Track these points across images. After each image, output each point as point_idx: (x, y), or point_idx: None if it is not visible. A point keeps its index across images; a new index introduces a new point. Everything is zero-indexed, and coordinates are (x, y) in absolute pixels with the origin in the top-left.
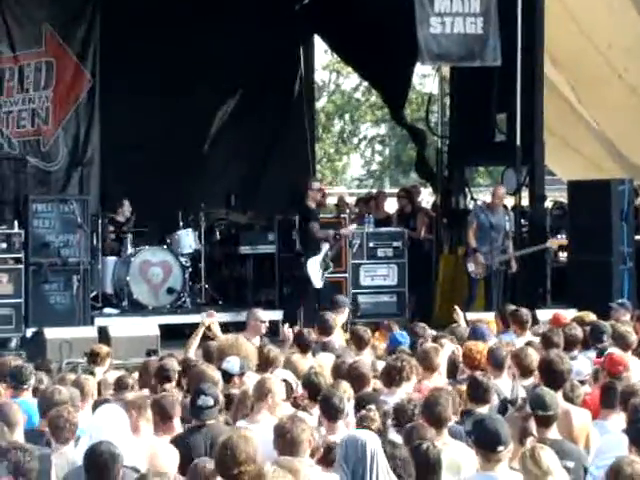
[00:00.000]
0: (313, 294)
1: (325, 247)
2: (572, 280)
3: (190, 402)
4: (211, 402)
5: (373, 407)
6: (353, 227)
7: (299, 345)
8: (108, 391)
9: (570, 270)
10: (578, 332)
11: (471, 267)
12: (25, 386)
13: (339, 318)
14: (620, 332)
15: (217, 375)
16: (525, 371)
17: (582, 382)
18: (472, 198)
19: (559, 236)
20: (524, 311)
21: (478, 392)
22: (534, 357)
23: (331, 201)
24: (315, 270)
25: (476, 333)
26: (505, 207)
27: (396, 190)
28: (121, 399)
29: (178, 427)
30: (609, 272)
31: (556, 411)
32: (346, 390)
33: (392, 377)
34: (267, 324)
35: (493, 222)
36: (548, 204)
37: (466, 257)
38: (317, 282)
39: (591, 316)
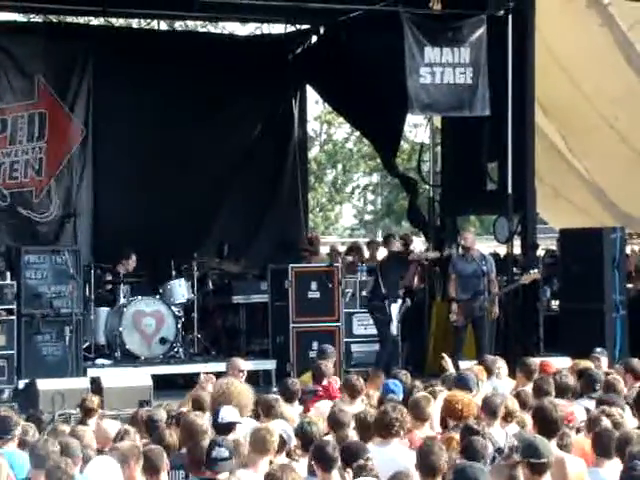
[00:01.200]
0: (391, 338)
1: (407, 302)
2: (565, 328)
3: (205, 454)
4: (226, 454)
5: (370, 456)
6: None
7: (284, 395)
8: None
9: (563, 318)
10: (569, 380)
11: (452, 317)
12: (9, 436)
13: None
14: (609, 380)
15: (206, 424)
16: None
17: (578, 430)
18: (463, 247)
19: (532, 271)
20: (532, 360)
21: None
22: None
23: (323, 250)
24: (395, 316)
25: (460, 382)
26: (484, 255)
27: None
28: (116, 449)
29: None
30: (601, 320)
31: (549, 459)
32: (353, 437)
33: (390, 427)
34: (245, 373)
35: (470, 269)
36: (540, 252)
37: (449, 308)
38: (394, 329)
39: (588, 364)
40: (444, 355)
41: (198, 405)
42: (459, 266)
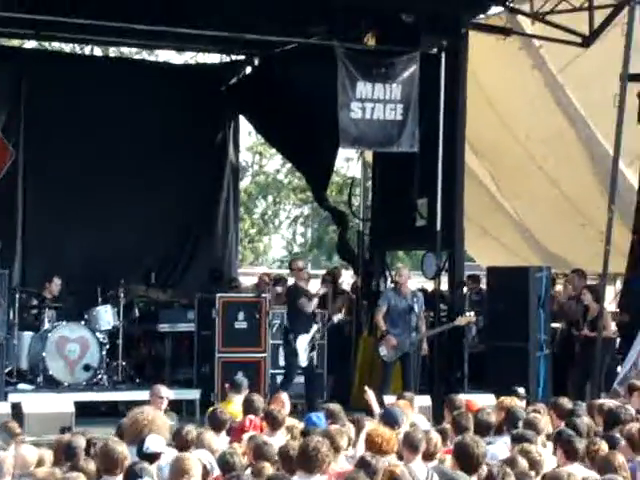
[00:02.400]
0: (295, 370)
1: (314, 327)
2: (489, 365)
3: None
4: None
5: None
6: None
7: (212, 424)
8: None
9: (488, 356)
10: (490, 418)
11: (383, 351)
12: None
13: (239, 399)
14: (529, 419)
15: (126, 451)
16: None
17: None
18: (392, 281)
19: (467, 313)
20: (459, 397)
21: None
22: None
23: (251, 280)
24: (303, 348)
25: (387, 417)
26: (414, 291)
27: (318, 272)
28: (31, 475)
29: None
30: (526, 358)
31: None
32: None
33: (314, 460)
34: (167, 400)
35: (403, 305)
36: (467, 289)
37: (378, 341)
38: (303, 361)
39: (514, 401)
40: (367, 389)
41: (121, 433)
42: (393, 301)
